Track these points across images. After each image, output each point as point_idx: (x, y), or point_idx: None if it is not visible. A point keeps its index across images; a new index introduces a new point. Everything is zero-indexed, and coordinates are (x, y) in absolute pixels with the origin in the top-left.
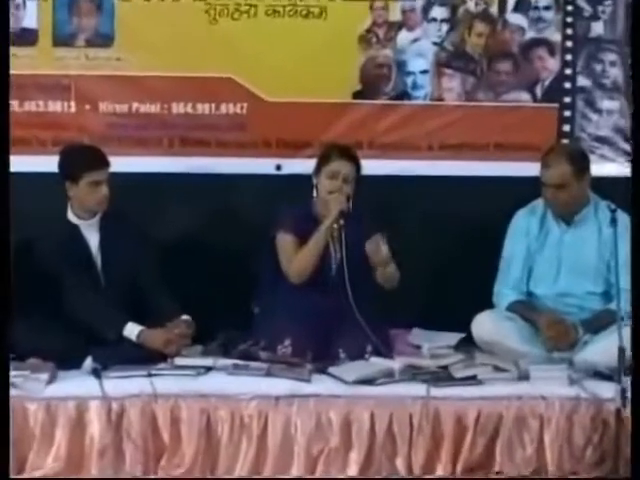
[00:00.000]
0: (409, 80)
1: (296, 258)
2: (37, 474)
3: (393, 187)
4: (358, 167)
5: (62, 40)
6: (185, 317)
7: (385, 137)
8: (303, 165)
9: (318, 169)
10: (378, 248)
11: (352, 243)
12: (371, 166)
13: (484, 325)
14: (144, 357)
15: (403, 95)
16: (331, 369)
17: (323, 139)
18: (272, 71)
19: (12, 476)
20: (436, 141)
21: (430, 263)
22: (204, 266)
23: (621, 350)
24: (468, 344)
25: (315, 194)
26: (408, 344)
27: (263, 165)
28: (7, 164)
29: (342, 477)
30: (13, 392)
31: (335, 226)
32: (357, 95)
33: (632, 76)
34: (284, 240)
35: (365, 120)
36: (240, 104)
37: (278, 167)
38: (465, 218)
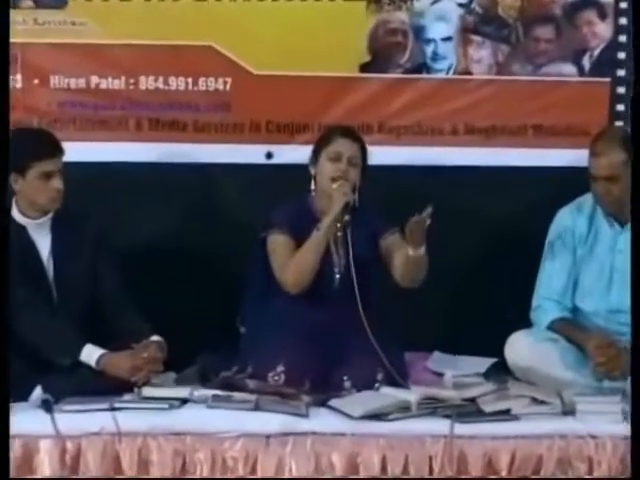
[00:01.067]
0: (428, 49)
1: (292, 263)
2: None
3: (409, 180)
4: (365, 152)
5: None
6: (155, 338)
7: (399, 119)
8: (298, 153)
9: (317, 153)
10: (423, 223)
11: (359, 246)
12: (382, 154)
13: (520, 348)
14: (105, 387)
15: (421, 68)
16: (333, 401)
17: (323, 121)
18: (261, 38)
19: (12, 476)
20: (461, 124)
21: (454, 272)
22: (179, 276)
23: None
24: (500, 371)
25: (313, 186)
26: (427, 371)
27: (251, 153)
28: (7, 163)
29: (342, 477)
30: None
31: (339, 225)
32: (365, 68)
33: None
34: (277, 242)
35: (375, 98)
36: (223, 78)
37: (269, 155)
38: (497, 217)
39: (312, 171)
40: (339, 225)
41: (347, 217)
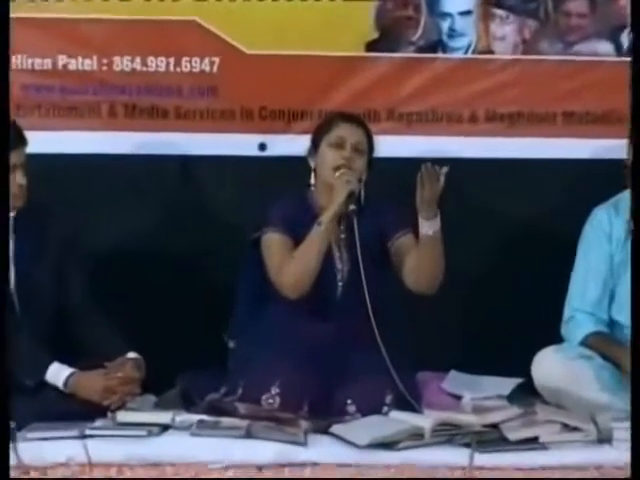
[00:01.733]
0: (444, 25)
1: (290, 263)
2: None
3: None
4: (371, 139)
5: None
6: (132, 355)
7: (411, 104)
8: (296, 143)
9: (316, 142)
10: (434, 178)
11: (365, 249)
12: (391, 144)
13: (549, 367)
14: (75, 411)
15: (436, 46)
16: (336, 428)
17: (324, 108)
18: (253, 12)
19: (12, 476)
20: (482, 110)
21: (473, 279)
22: (159, 283)
23: None
24: (527, 393)
25: (313, 180)
26: (443, 393)
27: (241, 143)
28: (7, 161)
29: (341, 477)
30: None
31: (342, 227)
32: (372, 46)
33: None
34: (273, 241)
35: (383, 81)
36: (209, 58)
37: (262, 146)
38: (522, 217)
39: (311, 163)
40: (342, 227)
41: (352, 207)
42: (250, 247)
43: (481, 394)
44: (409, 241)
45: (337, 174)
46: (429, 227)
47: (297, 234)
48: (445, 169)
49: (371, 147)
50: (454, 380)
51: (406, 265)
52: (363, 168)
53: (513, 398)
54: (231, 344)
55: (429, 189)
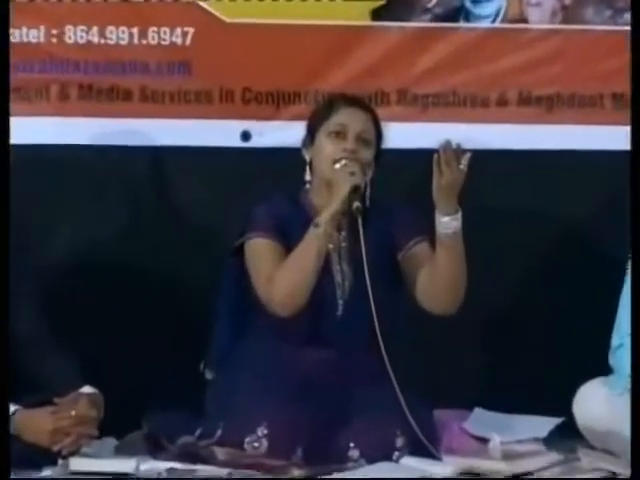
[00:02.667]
0: None
1: (281, 273)
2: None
3: None
4: (378, 126)
5: None
6: (88, 389)
7: (426, 85)
8: (285, 132)
9: (312, 130)
10: (455, 162)
11: (372, 261)
12: (403, 133)
13: (594, 404)
14: (19, 457)
15: (457, 14)
16: (337, 477)
17: (320, 89)
18: None
19: (12, 476)
20: (513, 92)
21: (502, 295)
22: (122, 302)
23: None
24: (567, 436)
25: (308, 176)
26: (466, 435)
27: (221, 132)
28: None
29: (341, 477)
30: None
31: (343, 233)
32: (378, 14)
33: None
34: (259, 247)
35: (393, 56)
36: (181, 29)
37: (245, 135)
38: (561, 221)
39: (306, 156)
40: (343, 232)
41: (356, 204)
42: (232, 256)
43: (512, 436)
44: (424, 251)
45: (338, 166)
46: (448, 225)
47: (289, 240)
48: (468, 154)
49: (379, 136)
50: (479, 419)
51: (420, 280)
52: (369, 161)
53: (551, 441)
54: (209, 375)
55: (449, 175)
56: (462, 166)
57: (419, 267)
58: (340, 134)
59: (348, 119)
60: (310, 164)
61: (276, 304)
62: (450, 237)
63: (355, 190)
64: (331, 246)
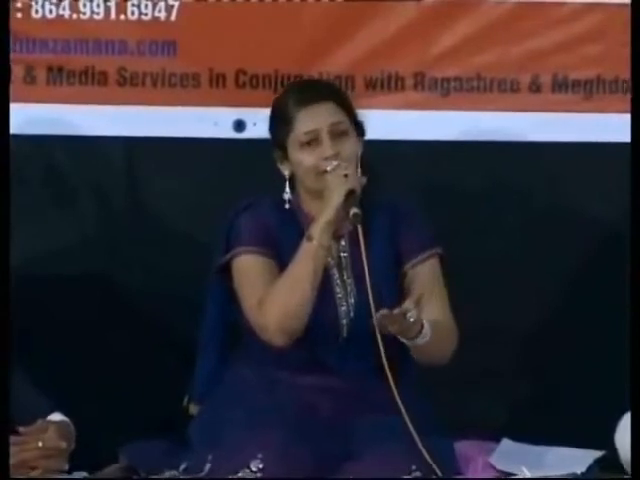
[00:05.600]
0: None
1: (272, 296)
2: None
3: (461, 164)
4: (346, 103)
5: None
6: (57, 417)
7: (447, 67)
8: None
9: (281, 146)
10: (398, 319)
11: (378, 272)
12: (420, 122)
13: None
14: None
15: None
16: None
17: (324, 71)
18: None
19: (12, 476)
20: (547, 75)
21: (532, 311)
22: (94, 321)
23: None
24: (609, 471)
25: (288, 195)
26: (492, 469)
27: (210, 121)
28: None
29: (342, 476)
30: None
31: (343, 243)
32: None
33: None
34: (248, 265)
35: (408, 33)
36: (166, 2)
37: (239, 125)
38: (603, 225)
39: (285, 172)
40: (343, 242)
41: (355, 211)
42: (216, 274)
43: (544, 472)
44: (432, 271)
45: (328, 168)
46: (415, 342)
47: (281, 252)
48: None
49: (350, 111)
50: (507, 452)
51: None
52: (355, 148)
53: (590, 477)
54: (193, 410)
55: (399, 330)
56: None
57: (423, 289)
58: (312, 141)
59: (313, 122)
60: (291, 179)
61: (270, 333)
62: (424, 342)
63: (351, 194)
64: (330, 260)
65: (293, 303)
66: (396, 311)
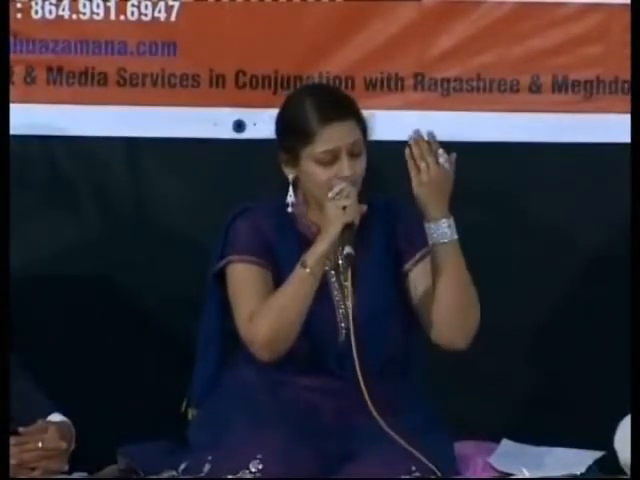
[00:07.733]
0: None
1: (263, 314)
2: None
3: (462, 164)
4: (364, 125)
5: None
6: (57, 417)
7: (447, 67)
8: None
9: (293, 152)
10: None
11: (377, 278)
12: (420, 123)
13: None
14: None
15: None
16: None
17: (324, 71)
18: None
19: (12, 476)
20: (547, 76)
21: (531, 314)
22: (93, 323)
23: None
24: (608, 472)
25: (292, 198)
26: (491, 470)
27: (210, 121)
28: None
29: (342, 477)
30: None
31: (346, 250)
32: None
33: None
34: (242, 276)
35: (408, 33)
36: (166, 3)
37: (239, 125)
38: (605, 229)
39: (289, 175)
40: (346, 250)
41: (348, 251)
42: (213, 279)
43: (544, 472)
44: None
45: (330, 194)
46: (438, 232)
47: (278, 260)
48: (454, 155)
49: (366, 135)
50: (506, 453)
51: (420, 304)
52: (363, 169)
53: (590, 478)
54: (191, 416)
55: (427, 172)
56: (442, 160)
57: (424, 287)
58: (330, 160)
59: (334, 140)
60: (294, 183)
61: (256, 348)
62: (445, 249)
63: (347, 227)
64: (327, 262)
65: (281, 324)
66: (429, 140)
